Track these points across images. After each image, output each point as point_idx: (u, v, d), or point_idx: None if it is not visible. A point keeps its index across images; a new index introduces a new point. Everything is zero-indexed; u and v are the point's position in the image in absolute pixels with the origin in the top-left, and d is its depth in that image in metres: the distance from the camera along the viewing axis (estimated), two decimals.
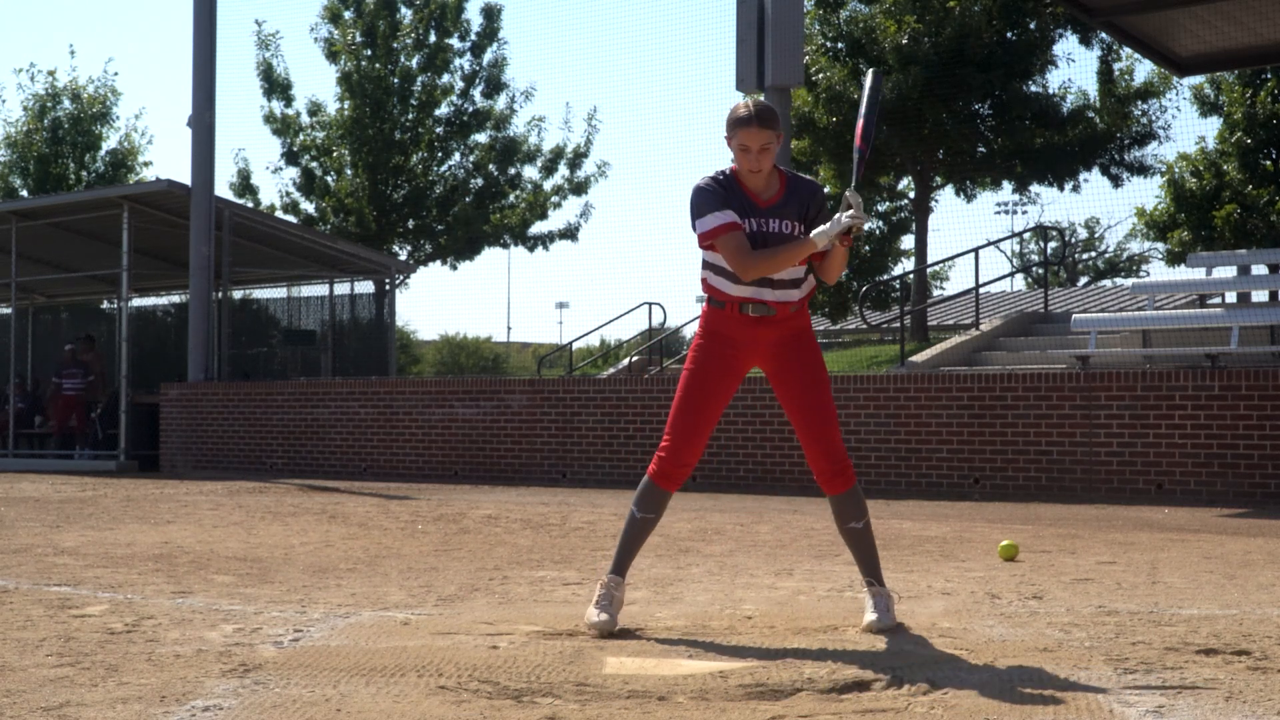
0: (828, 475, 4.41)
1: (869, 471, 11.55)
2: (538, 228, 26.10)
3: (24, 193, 29.00)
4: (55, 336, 22.21)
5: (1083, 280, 48.81)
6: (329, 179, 25.55)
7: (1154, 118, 21.23)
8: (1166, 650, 3.98)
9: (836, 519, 4.50)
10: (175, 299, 22.14)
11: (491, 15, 25.55)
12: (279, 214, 24.98)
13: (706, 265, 4.44)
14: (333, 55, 25.13)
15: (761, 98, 13.48)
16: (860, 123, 4.38)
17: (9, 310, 20.54)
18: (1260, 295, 16.06)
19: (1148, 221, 24.69)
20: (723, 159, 4.22)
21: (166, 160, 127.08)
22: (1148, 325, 13.64)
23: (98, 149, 30.01)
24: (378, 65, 24.84)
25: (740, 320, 4.39)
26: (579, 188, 26.04)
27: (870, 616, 4.37)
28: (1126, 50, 20.15)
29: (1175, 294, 18.46)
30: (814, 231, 4.24)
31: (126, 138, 30.65)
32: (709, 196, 4.34)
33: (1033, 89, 20.83)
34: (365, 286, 20.09)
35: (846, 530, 4.48)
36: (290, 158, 25.64)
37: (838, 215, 4.16)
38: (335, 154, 25.35)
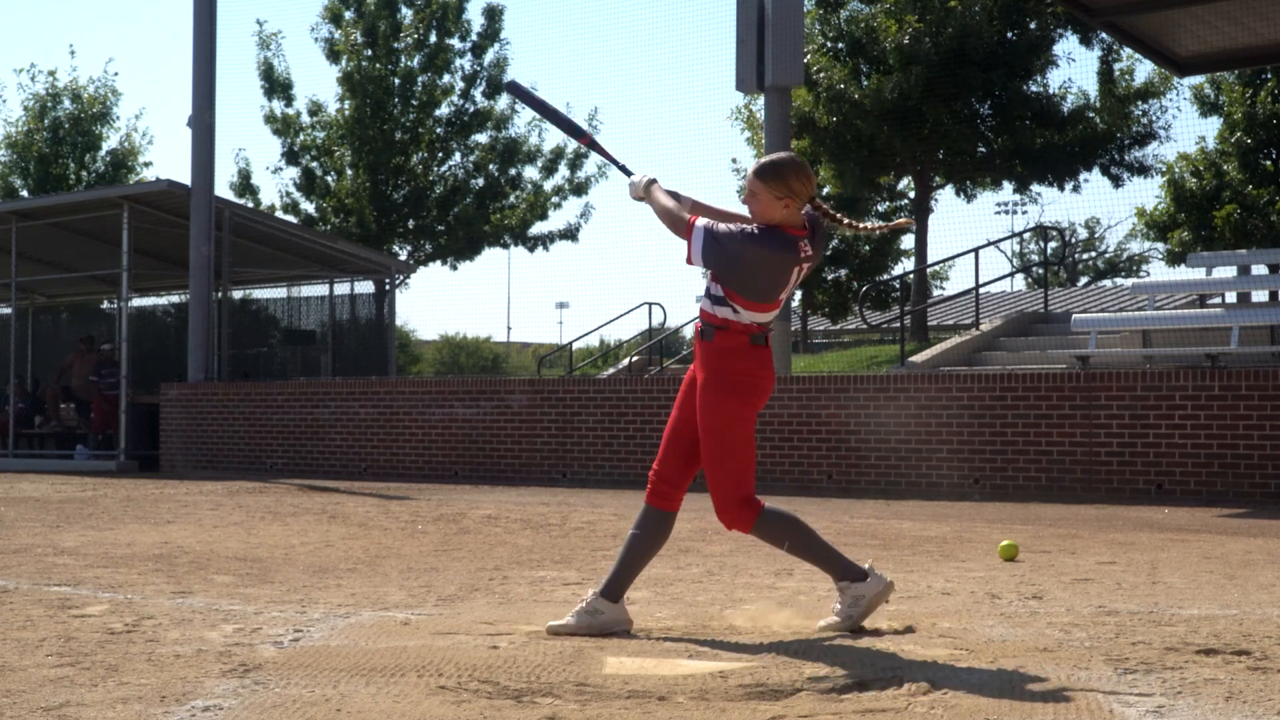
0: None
1: (869, 471, 11.53)
2: (538, 228, 26.14)
3: (24, 193, 28.98)
4: (55, 336, 22.19)
5: (1083, 280, 48.82)
6: (329, 179, 25.56)
7: (1154, 118, 21.25)
8: (1166, 650, 3.98)
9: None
10: (175, 299, 22.11)
11: (493, 15, 25.56)
12: (279, 214, 24.98)
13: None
14: (333, 55, 25.13)
15: (762, 98, 13.44)
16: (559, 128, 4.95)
17: (9, 310, 20.51)
18: (1260, 295, 16.05)
19: (1148, 221, 24.70)
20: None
21: (166, 160, 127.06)
22: (1148, 325, 13.63)
23: (98, 149, 29.99)
24: (378, 65, 24.84)
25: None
26: (579, 188, 26.05)
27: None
28: (1126, 50, 20.15)
29: (1175, 294, 18.46)
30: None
31: (127, 138, 30.65)
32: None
33: (1033, 89, 20.85)
34: (365, 286, 20.07)
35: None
36: (290, 158, 25.65)
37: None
38: (336, 154, 25.35)
